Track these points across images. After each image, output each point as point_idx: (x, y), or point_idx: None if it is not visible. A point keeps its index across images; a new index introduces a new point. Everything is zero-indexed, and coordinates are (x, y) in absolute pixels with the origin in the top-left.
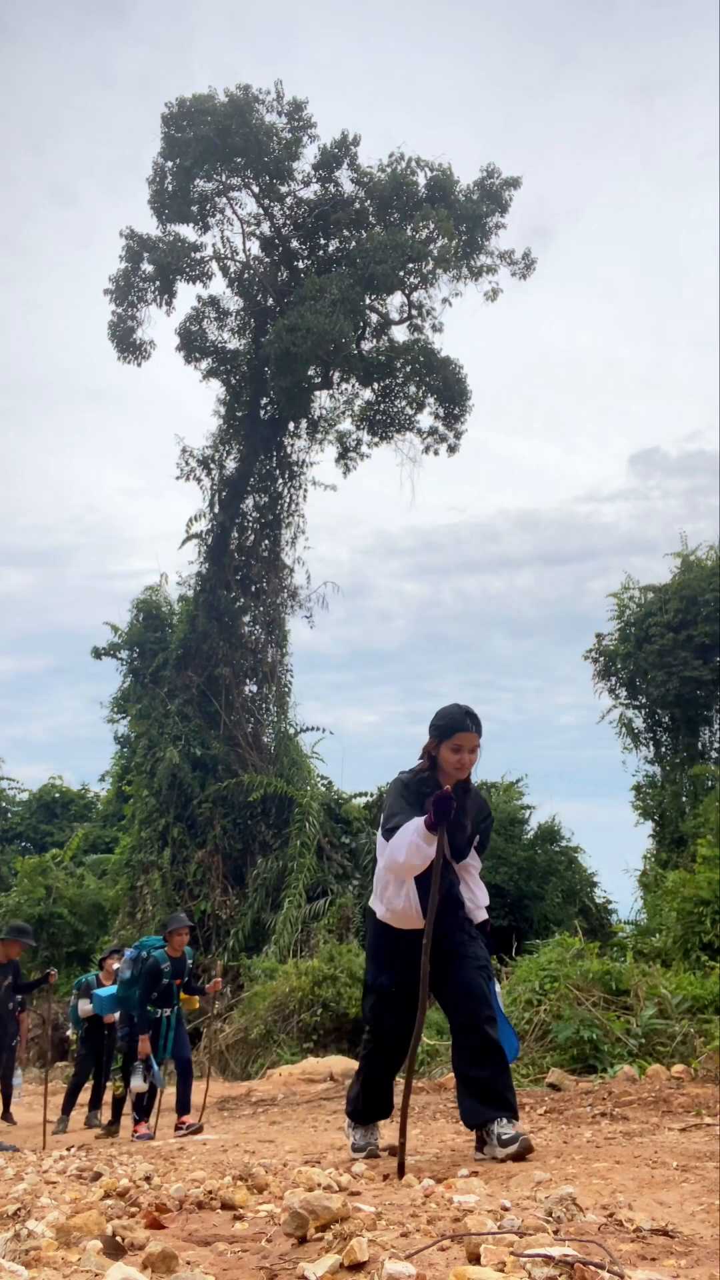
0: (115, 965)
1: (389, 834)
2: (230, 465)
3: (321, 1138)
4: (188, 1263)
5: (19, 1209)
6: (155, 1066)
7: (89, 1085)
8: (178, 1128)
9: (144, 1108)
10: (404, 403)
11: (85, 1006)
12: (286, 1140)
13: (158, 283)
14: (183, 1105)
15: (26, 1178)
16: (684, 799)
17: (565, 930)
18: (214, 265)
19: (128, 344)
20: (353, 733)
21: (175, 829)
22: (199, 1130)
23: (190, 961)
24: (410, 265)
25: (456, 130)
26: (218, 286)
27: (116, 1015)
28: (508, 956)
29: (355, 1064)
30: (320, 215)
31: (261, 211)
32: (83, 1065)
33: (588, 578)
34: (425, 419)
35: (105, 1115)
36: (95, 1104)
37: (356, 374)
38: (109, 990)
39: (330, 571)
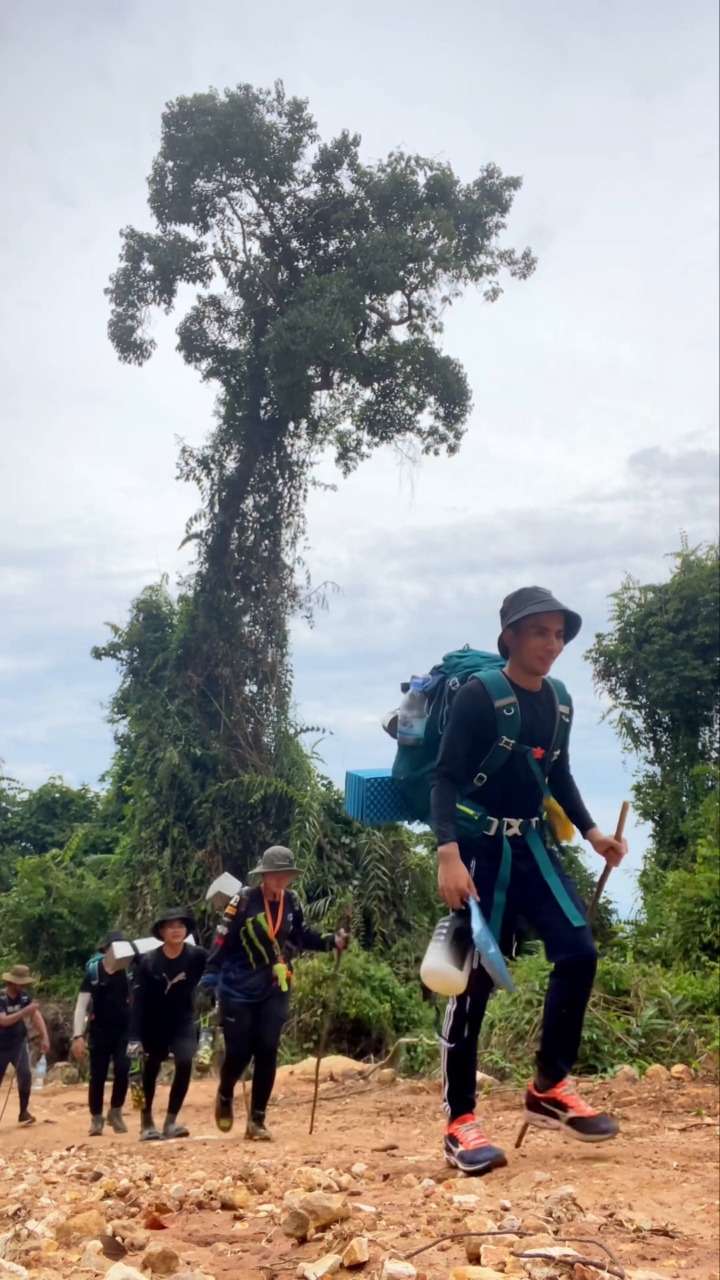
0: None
1: None
2: (230, 465)
3: (322, 1138)
4: (188, 1263)
5: (19, 1209)
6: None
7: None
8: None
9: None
10: (404, 403)
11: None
12: (286, 1140)
13: (158, 282)
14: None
15: (26, 1178)
16: (684, 799)
17: None
18: (214, 265)
19: (128, 344)
20: (353, 733)
21: (175, 829)
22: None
23: (569, 709)
24: (410, 265)
25: (457, 130)
26: (218, 286)
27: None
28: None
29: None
30: (320, 215)
31: (261, 211)
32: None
33: (588, 578)
34: (425, 419)
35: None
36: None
37: (356, 374)
38: (374, 772)
39: (330, 571)
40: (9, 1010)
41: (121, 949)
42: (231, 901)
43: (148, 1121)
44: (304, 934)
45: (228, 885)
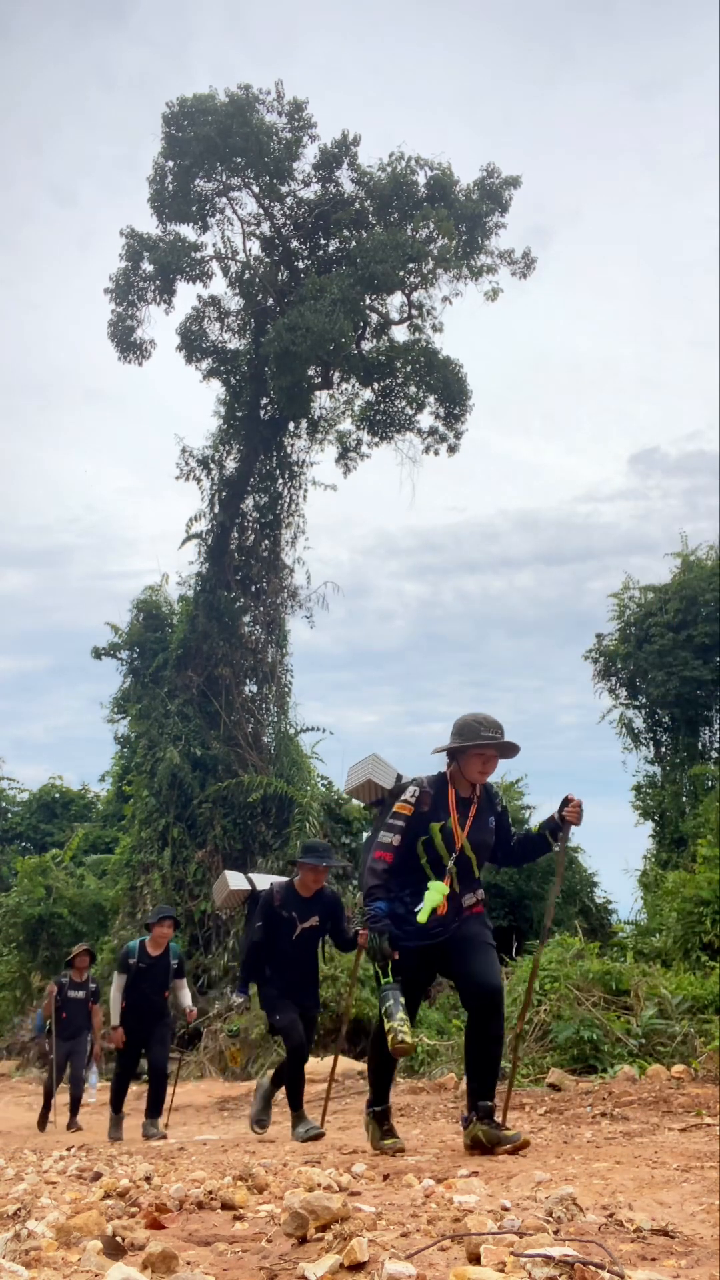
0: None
1: None
2: (230, 465)
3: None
4: (188, 1263)
5: (19, 1209)
6: None
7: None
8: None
9: None
10: (404, 403)
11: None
12: (286, 1140)
13: (158, 282)
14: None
15: (26, 1178)
16: (684, 799)
17: (565, 930)
18: (214, 265)
19: (128, 344)
20: (353, 733)
21: (175, 829)
22: None
23: None
24: (410, 265)
25: (457, 129)
26: (218, 286)
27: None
28: (508, 957)
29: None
30: (320, 215)
31: (262, 211)
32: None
33: (588, 578)
34: (425, 419)
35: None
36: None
37: (356, 374)
38: None
39: (330, 571)
40: (71, 995)
41: (235, 879)
42: (405, 797)
43: (267, 1106)
44: (519, 843)
45: (382, 771)
